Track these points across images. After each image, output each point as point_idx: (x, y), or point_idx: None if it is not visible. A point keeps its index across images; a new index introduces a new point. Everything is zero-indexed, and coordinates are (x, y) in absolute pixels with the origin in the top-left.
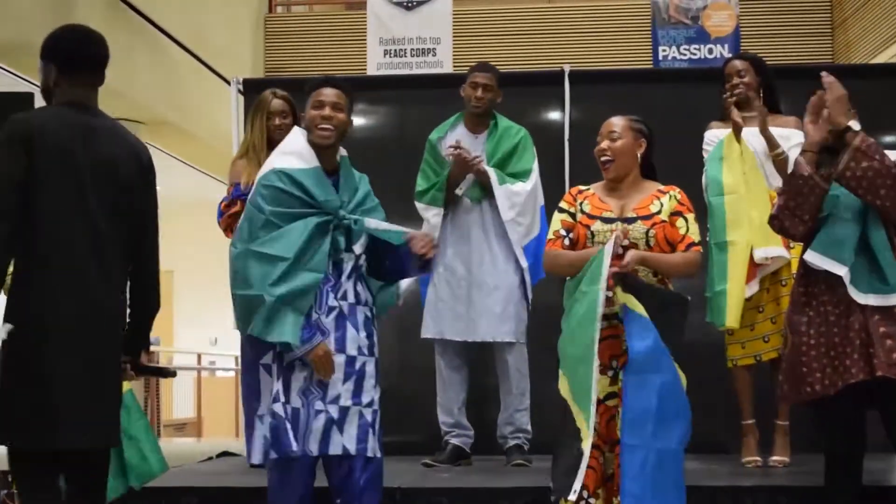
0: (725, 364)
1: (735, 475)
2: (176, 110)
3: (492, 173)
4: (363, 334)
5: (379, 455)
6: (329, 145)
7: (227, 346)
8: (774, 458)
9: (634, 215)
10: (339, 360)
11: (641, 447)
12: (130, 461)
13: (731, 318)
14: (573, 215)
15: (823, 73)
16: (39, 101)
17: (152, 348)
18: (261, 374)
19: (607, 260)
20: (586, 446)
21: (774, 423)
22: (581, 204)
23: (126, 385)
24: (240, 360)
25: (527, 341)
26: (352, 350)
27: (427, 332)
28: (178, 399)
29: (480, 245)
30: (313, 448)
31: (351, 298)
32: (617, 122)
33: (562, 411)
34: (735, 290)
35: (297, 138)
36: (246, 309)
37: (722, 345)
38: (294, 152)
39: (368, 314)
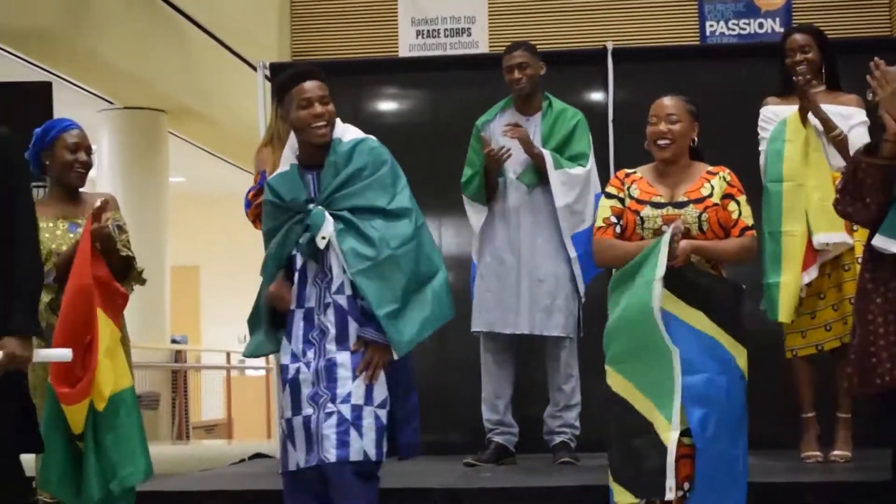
0: (784, 354)
1: (794, 471)
2: (199, 98)
3: (548, 156)
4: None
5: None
6: (327, 142)
7: None
8: (836, 452)
9: (686, 199)
10: (344, 357)
11: (703, 451)
12: (115, 461)
13: (784, 313)
14: (622, 200)
15: (875, 63)
16: (59, 91)
17: (179, 347)
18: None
19: (665, 250)
20: (669, 438)
21: (836, 416)
22: (629, 188)
23: (127, 381)
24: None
25: (577, 336)
26: (356, 345)
27: (476, 325)
28: (207, 399)
29: (531, 233)
30: (331, 454)
31: (348, 290)
32: (674, 104)
33: (618, 407)
34: (789, 283)
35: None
36: None
37: (780, 333)
38: (285, 154)
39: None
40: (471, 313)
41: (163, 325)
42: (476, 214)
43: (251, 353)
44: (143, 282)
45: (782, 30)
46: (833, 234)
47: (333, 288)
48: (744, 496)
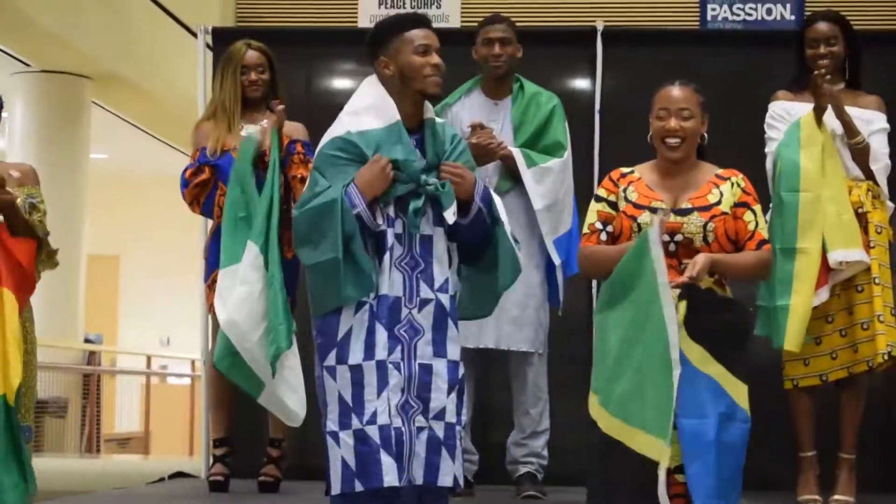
0: (782, 384)
1: None
2: (129, 63)
3: (517, 154)
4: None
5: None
6: (439, 97)
7: (181, 348)
8: (837, 497)
9: (690, 206)
10: (440, 366)
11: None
12: None
13: (792, 340)
14: (613, 205)
15: None
16: None
17: (93, 347)
18: (325, 379)
19: (657, 248)
20: (662, 472)
21: (838, 456)
22: (625, 190)
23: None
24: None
25: (547, 352)
26: (453, 354)
27: None
28: (122, 409)
29: None
30: (418, 475)
31: (452, 289)
32: (687, 97)
33: (601, 440)
34: (801, 307)
35: (370, 88)
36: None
37: (778, 359)
38: (366, 108)
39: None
40: None
41: (75, 321)
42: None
43: (345, 297)
44: (55, 265)
45: (792, 17)
46: (851, 251)
47: (436, 284)
48: None
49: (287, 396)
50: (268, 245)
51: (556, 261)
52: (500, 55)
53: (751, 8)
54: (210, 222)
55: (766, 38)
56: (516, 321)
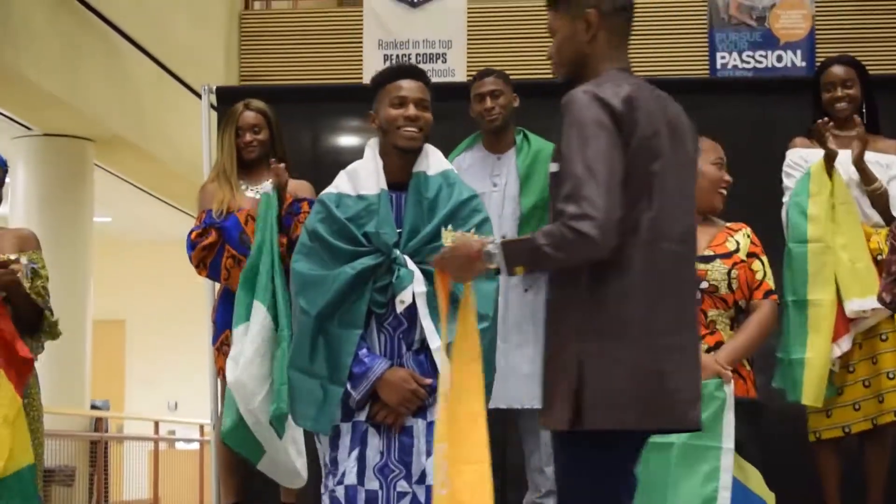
0: (807, 437)
1: None
2: (132, 125)
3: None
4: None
5: None
6: (415, 150)
7: (189, 412)
8: None
9: (712, 253)
10: (421, 426)
11: None
12: None
13: (810, 395)
14: None
15: None
16: None
17: (100, 414)
18: (315, 441)
19: (731, 414)
20: None
21: None
22: None
23: (28, 457)
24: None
25: None
26: (434, 414)
27: None
28: (130, 475)
29: (506, 293)
30: None
31: (434, 343)
32: (719, 148)
33: None
34: (817, 360)
35: (367, 149)
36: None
37: (802, 411)
38: (355, 170)
39: None
40: None
41: (82, 387)
42: None
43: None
44: (56, 335)
45: (803, 64)
46: (866, 299)
47: (415, 343)
48: None
49: (295, 458)
50: (276, 303)
51: None
52: (491, 108)
53: (761, 55)
54: (217, 285)
55: (777, 85)
56: (528, 378)
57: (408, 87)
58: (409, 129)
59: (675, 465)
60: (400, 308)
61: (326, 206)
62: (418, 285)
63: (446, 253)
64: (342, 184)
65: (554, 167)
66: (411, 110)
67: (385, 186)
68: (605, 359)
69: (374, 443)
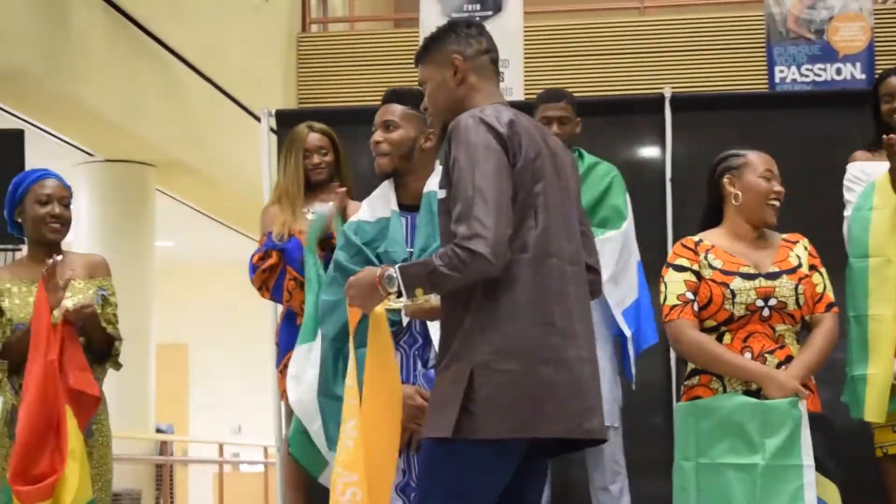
0: (874, 452)
1: None
2: (192, 149)
3: None
4: None
5: None
6: (385, 174)
7: (253, 434)
8: None
9: (777, 269)
10: None
11: None
12: None
13: (872, 411)
14: (697, 273)
15: None
16: (32, 142)
17: (165, 437)
18: None
19: (807, 432)
20: None
21: None
22: (706, 258)
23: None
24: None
25: (623, 426)
26: None
27: None
28: (194, 499)
29: None
30: None
31: None
32: (768, 159)
33: None
34: (879, 377)
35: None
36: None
37: (867, 426)
38: (375, 196)
39: None
40: None
41: (146, 411)
42: None
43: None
44: (119, 367)
45: (863, 76)
46: None
47: (431, 359)
48: None
49: None
50: None
51: (627, 332)
52: (558, 134)
53: (819, 69)
54: (280, 307)
55: (836, 98)
56: None
57: (381, 112)
58: (376, 154)
59: (761, 487)
60: (405, 320)
61: (345, 234)
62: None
63: (351, 281)
64: (362, 212)
65: (441, 193)
66: (375, 135)
67: (395, 207)
68: (495, 371)
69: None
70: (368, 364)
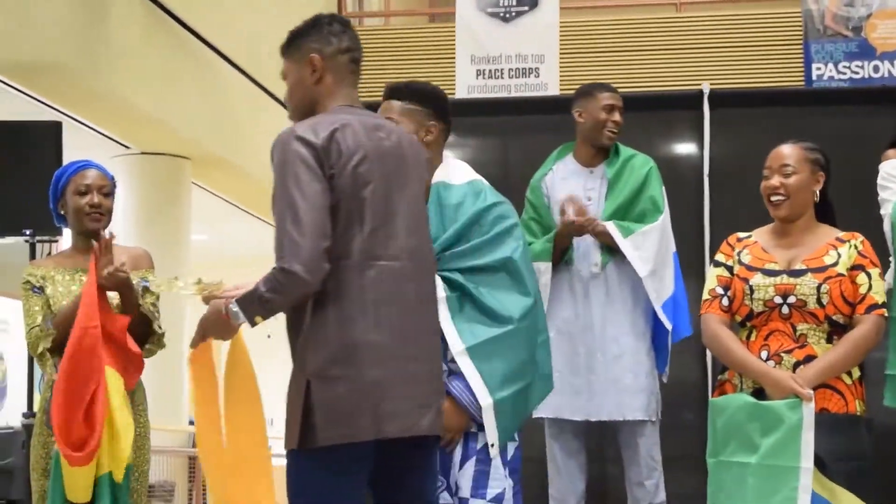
0: None
1: None
2: (228, 144)
3: (612, 228)
4: None
5: None
6: None
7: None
8: None
9: (804, 267)
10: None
11: None
12: None
13: None
14: (730, 269)
15: None
16: (69, 134)
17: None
18: None
19: (810, 434)
20: None
21: None
22: (739, 254)
23: (121, 464)
24: None
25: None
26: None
27: (541, 409)
28: None
29: (603, 303)
30: None
31: (460, 345)
32: (790, 153)
33: None
34: None
35: None
36: None
37: None
38: None
39: None
40: None
41: (180, 403)
42: (538, 274)
43: None
44: (162, 346)
45: None
46: None
47: (449, 353)
48: None
49: None
50: None
51: (668, 326)
52: (619, 122)
53: (857, 66)
54: None
55: (874, 95)
56: (629, 389)
57: (383, 106)
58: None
59: (752, 485)
60: None
61: None
62: (437, 291)
63: (202, 321)
64: None
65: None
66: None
67: None
68: (328, 379)
69: None
70: (227, 386)
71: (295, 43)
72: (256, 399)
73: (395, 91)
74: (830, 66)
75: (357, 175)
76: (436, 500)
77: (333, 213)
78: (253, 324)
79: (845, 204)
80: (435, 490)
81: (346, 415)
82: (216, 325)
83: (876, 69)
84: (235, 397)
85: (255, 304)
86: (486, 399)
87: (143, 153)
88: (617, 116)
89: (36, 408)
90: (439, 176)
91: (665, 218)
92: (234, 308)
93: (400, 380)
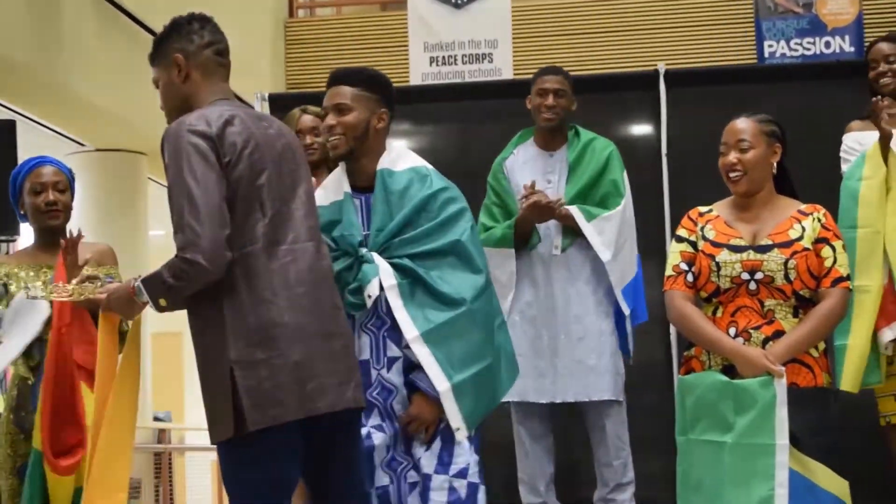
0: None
1: None
2: None
3: (575, 211)
4: None
5: None
6: (338, 155)
7: None
8: None
9: (770, 242)
10: None
11: None
12: None
13: (849, 381)
14: (694, 244)
15: None
16: (23, 132)
17: (164, 425)
18: None
19: (783, 411)
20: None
21: None
22: (703, 229)
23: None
24: None
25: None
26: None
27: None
28: (193, 485)
29: (564, 286)
30: None
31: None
32: (745, 128)
33: None
34: (857, 347)
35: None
36: None
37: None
38: (329, 181)
39: None
40: None
41: (144, 400)
42: (502, 261)
43: None
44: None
45: (852, 49)
46: None
47: (403, 340)
48: None
49: None
50: None
51: (626, 311)
52: (553, 106)
53: (808, 42)
54: None
55: (825, 71)
56: (594, 370)
57: (328, 95)
58: (328, 136)
59: (729, 464)
60: (368, 302)
61: None
62: (387, 278)
63: (110, 295)
64: (319, 197)
65: None
66: (329, 120)
67: (348, 189)
68: (250, 363)
69: (379, 443)
70: (122, 363)
71: (160, 48)
72: (135, 399)
73: (346, 77)
74: (782, 43)
75: (252, 163)
76: (364, 471)
77: (233, 202)
78: (158, 307)
79: (800, 178)
80: (362, 461)
81: (273, 397)
82: (120, 301)
83: (827, 45)
84: (120, 389)
85: (160, 287)
86: (442, 384)
87: (98, 150)
88: (550, 100)
89: (1, 407)
90: (384, 163)
91: (627, 202)
92: (139, 285)
93: (321, 357)
